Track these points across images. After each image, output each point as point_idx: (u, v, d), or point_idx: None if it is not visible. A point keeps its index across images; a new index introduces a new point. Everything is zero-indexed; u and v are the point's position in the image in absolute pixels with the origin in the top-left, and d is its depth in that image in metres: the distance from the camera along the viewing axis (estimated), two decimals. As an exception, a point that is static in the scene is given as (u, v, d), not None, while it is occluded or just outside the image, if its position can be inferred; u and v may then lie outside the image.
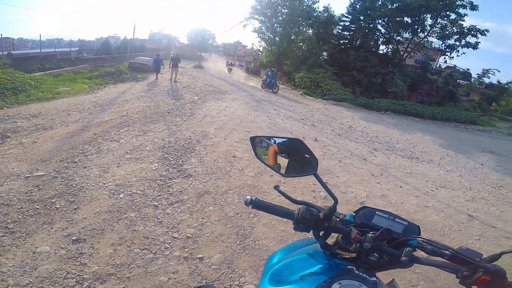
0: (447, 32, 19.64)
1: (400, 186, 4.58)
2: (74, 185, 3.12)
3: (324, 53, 24.18)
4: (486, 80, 22.59)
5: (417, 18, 19.86)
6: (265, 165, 0.98)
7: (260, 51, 31.98)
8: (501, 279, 0.65)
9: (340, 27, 23.79)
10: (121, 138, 4.81)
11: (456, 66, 23.72)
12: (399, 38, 21.81)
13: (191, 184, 3.53)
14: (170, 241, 2.45)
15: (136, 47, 31.80)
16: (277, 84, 16.32)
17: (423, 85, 22.15)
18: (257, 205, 0.84)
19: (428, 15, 19.72)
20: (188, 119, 6.69)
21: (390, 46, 22.52)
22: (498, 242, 3.31)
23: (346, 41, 23.86)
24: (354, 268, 0.74)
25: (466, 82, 22.93)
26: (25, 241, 2.21)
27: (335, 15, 23.34)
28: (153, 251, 2.31)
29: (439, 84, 20.96)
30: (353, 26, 22.44)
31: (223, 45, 75.63)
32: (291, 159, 0.96)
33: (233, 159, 4.48)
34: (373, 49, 22.02)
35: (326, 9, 23.61)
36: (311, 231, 0.82)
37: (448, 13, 19.12)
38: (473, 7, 18.49)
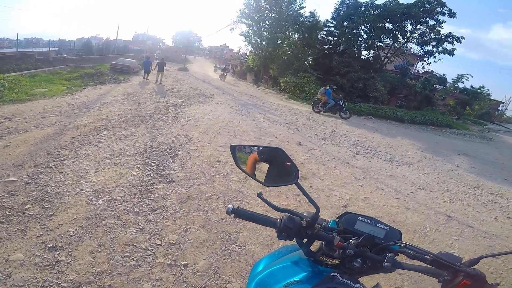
0: (425, 38, 20.48)
1: (382, 189, 4.69)
2: (49, 191, 2.96)
3: (309, 58, 24.64)
4: (460, 85, 23.75)
5: (398, 24, 20.63)
6: (246, 174, 0.96)
7: (247, 55, 32.08)
8: (481, 283, 0.67)
9: (325, 33, 24.31)
10: (100, 142, 4.64)
11: (433, 72, 24.68)
12: (380, 43, 22.54)
13: (174, 189, 3.44)
14: (152, 248, 2.37)
15: (119, 48, 31.13)
16: (345, 104, 12.83)
17: (402, 90, 22.91)
18: (239, 214, 0.83)
19: (408, 22, 20.54)
20: (171, 122, 6.56)
21: (372, 52, 23.17)
22: (476, 241, 3.43)
23: (330, 46, 24.37)
24: (338, 275, 0.75)
25: (442, 87, 23.93)
26: (-5, 251, 2.07)
27: (320, 20, 23.89)
28: (135, 258, 2.22)
29: (417, 89, 21.75)
30: (337, 31, 22.96)
31: (209, 48, 75.33)
32: (272, 168, 0.94)
33: (217, 164, 4.43)
34: (356, 55, 22.61)
35: (312, 14, 24.19)
36: (295, 239, 0.82)
37: (427, 19, 19.98)
38: (451, 15, 19.47)
